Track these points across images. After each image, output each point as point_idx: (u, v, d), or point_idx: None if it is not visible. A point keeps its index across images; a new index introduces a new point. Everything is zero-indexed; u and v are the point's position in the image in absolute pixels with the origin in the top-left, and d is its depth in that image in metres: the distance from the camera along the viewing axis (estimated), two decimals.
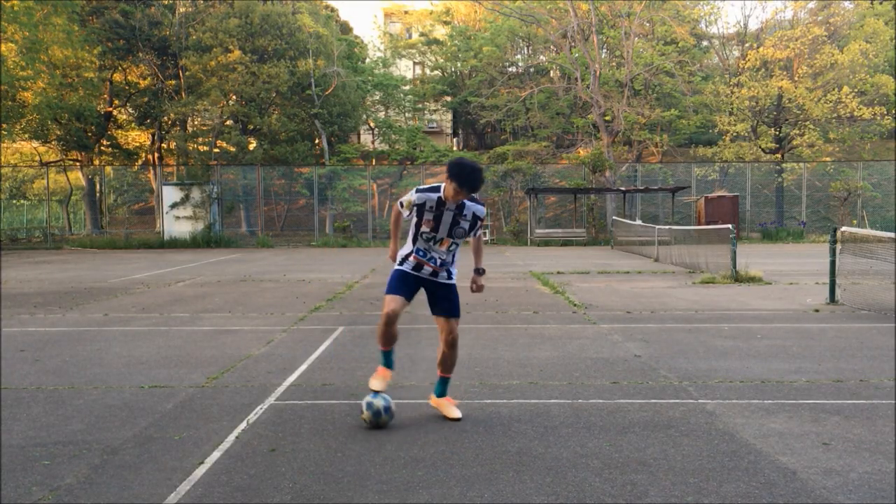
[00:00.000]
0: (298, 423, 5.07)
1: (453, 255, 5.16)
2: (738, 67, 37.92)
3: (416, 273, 5.09)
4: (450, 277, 5.18)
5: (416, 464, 4.24)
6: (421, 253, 5.07)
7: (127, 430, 4.95)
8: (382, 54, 49.53)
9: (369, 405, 4.91)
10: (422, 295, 5.22)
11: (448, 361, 5.18)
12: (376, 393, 4.97)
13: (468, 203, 4.99)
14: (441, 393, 5.22)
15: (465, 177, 4.82)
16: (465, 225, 5.02)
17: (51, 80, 28.46)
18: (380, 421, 4.89)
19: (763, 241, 29.98)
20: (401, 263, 5.14)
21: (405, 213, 5.13)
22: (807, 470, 4.10)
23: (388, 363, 5.13)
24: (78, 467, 4.23)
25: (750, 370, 6.58)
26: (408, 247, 5.16)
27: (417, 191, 5.02)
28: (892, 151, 38.16)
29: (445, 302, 5.13)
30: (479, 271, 5.33)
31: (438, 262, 5.08)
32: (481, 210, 5.10)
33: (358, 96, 40.73)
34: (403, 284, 5.06)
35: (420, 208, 4.98)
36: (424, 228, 4.99)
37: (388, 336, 5.04)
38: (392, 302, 4.98)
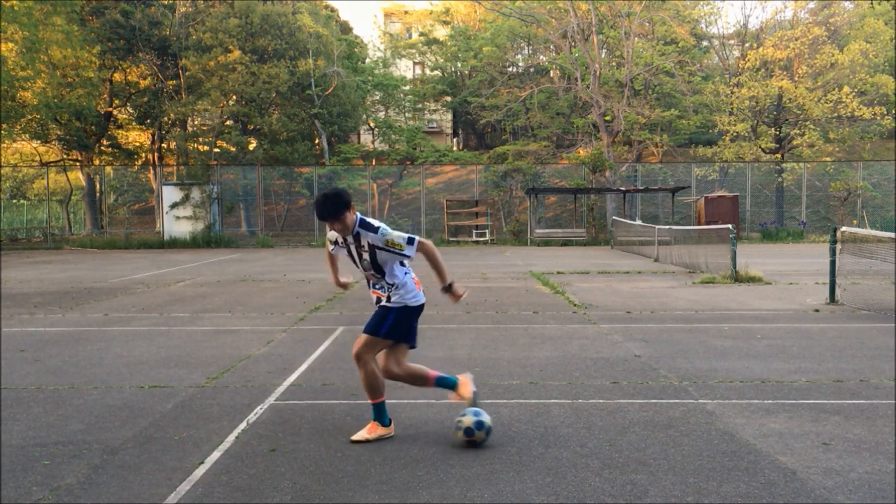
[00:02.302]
0: (298, 423, 5.07)
1: (395, 280, 4.75)
2: (738, 67, 37.92)
3: (377, 305, 4.85)
4: (389, 300, 4.76)
5: (416, 464, 4.24)
6: (369, 284, 4.90)
7: (127, 430, 4.95)
8: (382, 54, 49.53)
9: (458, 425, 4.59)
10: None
11: (363, 384, 4.78)
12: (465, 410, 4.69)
13: (361, 232, 4.64)
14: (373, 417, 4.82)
15: (316, 208, 4.64)
16: (368, 256, 4.68)
17: (50, 80, 28.44)
18: (474, 437, 4.56)
19: (763, 241, 29.97)
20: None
21: (330, 247, 5.03)
22: (807, 470, 4.10)
23: (447, 383, 4.92)
24: (78, 467, 4.23)
25: (750, 370, 6.58)
26: None
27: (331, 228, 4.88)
28: (892, 151, 38.15)
29: (372, 316, 4.82)
30: (446, 289, 4.80)
31: (382, 290, 4.79)
32: (374, 237, 4.62)
33: (358, 96, 40.73)
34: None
35: (336, 244, 4.91)
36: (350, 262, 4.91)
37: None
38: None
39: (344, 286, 5.23)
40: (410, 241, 4.64)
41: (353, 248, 4.73)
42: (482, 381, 6.23)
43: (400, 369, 4.79)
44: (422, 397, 5.67)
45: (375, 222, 4.68)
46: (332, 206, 4.56)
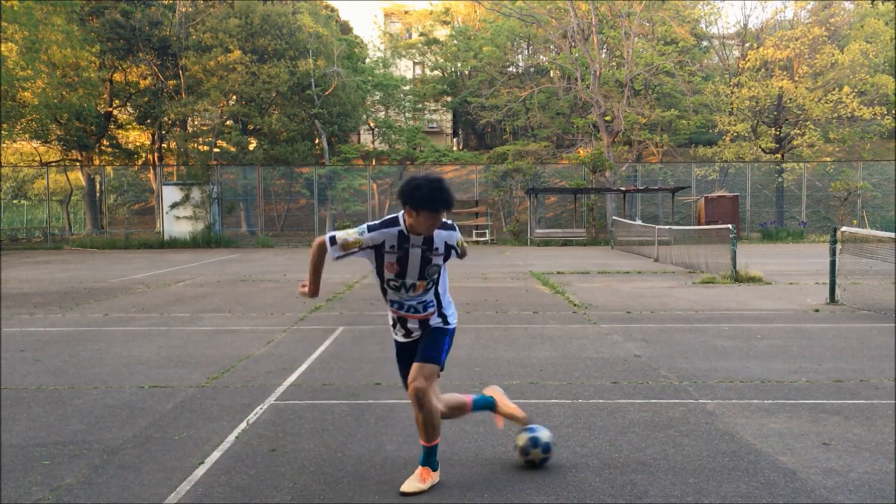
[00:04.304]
0: (298, 423, 5.07)
1: (438, 293, 4.02)
2: (738, 67, 37.94)
3: (407, 339, 4.04)
4: (446, 322, 4.03)
5: (415, 464, 4.23)
6: (397, 305, 3.97)
7: (127, 430, 4.94)
8: (382, 54, 49.54)
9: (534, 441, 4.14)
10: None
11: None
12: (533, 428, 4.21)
13: (437, 232, 3.83)
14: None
15: (432, 196, 3.65)
16: (439, 260, 3.88)
17: (50, 80, 28.45)
18: (529, 456, 4.16)
19: (763, 241, 29.97)
20: (394, 331, 4.12)
21: (334, 253, 3.85)
22: (807, 470, 4.10)
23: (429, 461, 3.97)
24: (78, 467, 4.23)
25: (750, 370, 6.58)
26: (387, 306, 4.06)
27: (370, 228, 3.84)
28: (892, 151, 38.16)
29: (424, 340, 3.98)
30: None
31: (422, 308, 3.96)
32: (454, 235, 3.92)
33: (358, 96, 40.74)
34: (405, 360, 4.07)
35: (378, 249, 3.83)
36: (388, 274, 3.87)
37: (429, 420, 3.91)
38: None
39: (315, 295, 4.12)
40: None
41: (416, 251, 3.81)
42: (482, 381, 6.23)
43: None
44: None
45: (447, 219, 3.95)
46: (450, 197, 3.71)
